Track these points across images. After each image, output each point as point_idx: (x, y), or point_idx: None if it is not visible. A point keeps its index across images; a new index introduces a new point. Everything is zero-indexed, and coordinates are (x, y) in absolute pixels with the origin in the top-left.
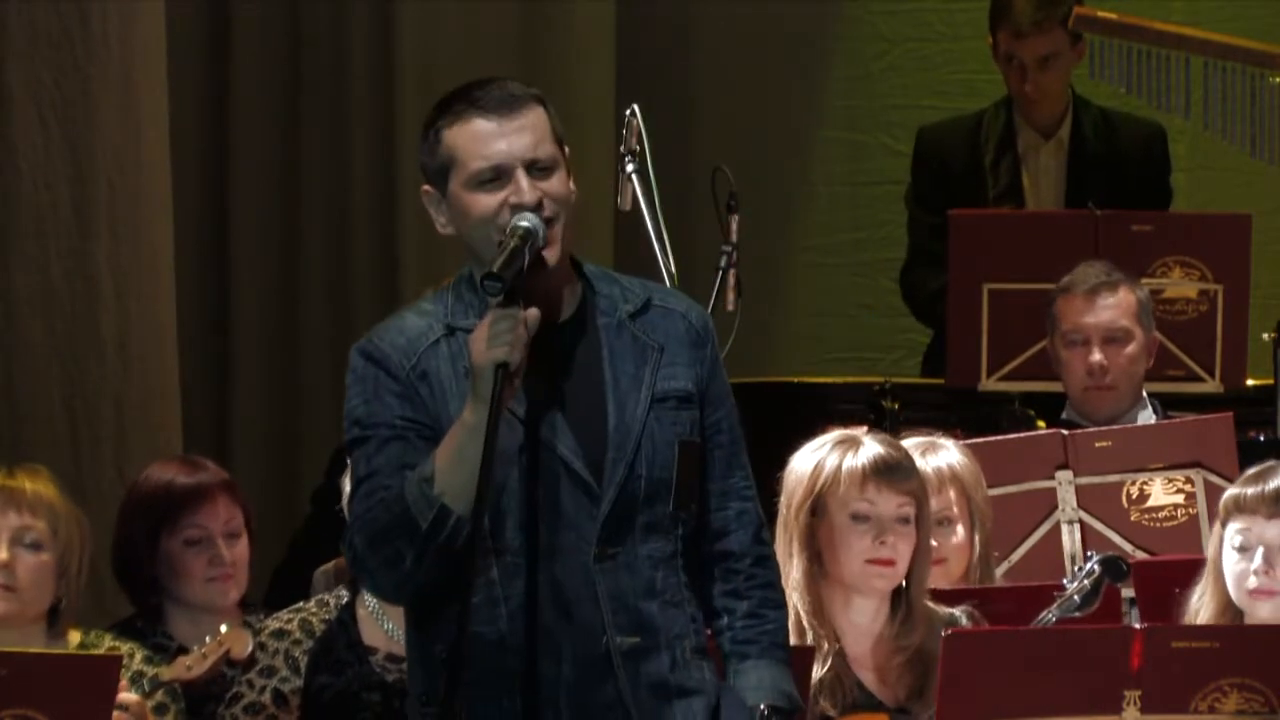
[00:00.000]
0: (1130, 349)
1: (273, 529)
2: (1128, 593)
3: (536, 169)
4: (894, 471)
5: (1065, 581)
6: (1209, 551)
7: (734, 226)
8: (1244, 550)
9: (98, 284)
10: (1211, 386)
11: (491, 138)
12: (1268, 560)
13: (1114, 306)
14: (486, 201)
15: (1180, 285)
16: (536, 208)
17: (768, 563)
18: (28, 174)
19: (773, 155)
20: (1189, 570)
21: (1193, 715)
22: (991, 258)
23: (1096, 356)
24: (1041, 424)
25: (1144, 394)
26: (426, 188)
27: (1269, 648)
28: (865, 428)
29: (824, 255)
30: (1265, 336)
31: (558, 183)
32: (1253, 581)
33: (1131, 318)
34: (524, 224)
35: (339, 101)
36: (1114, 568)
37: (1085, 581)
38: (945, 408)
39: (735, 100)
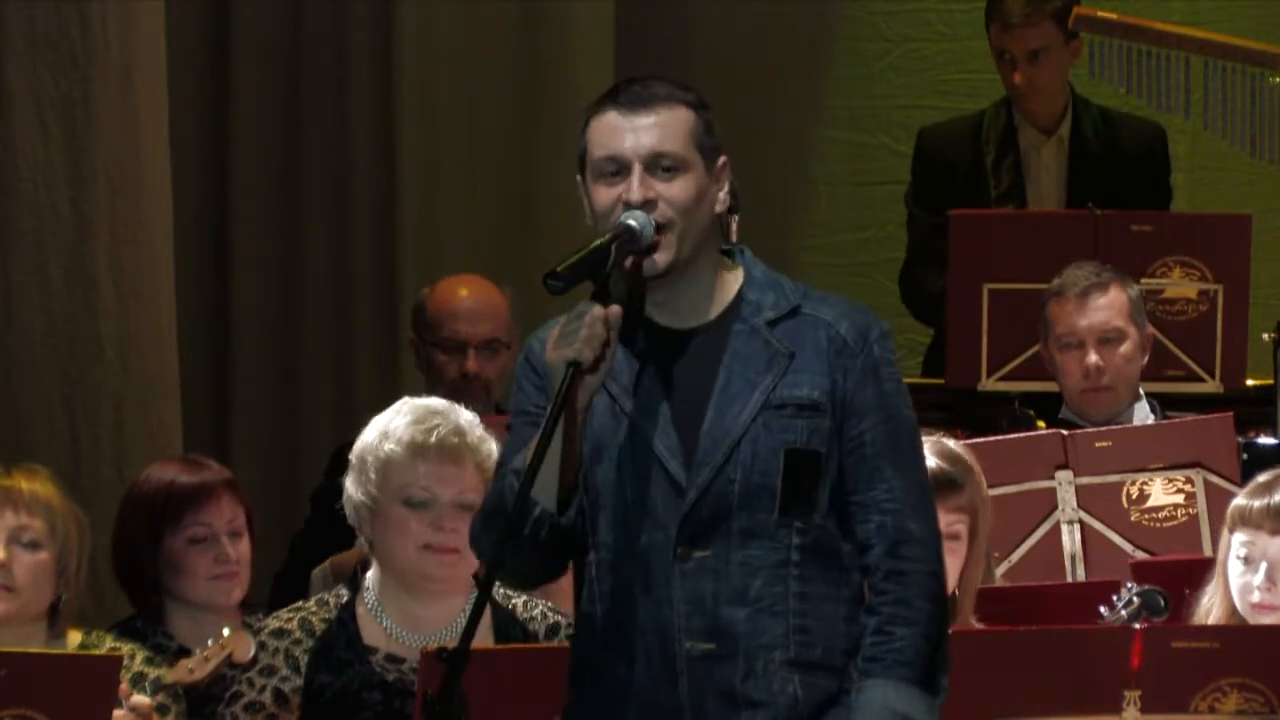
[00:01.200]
0: (1125, 348)
1: (272, 529)
2: None
3: (660, 169)
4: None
5: (1102, 609)
6: (1219, 555)
7: (734, 226)
8: (1248, 563)
9: (97, 284)
10: (1211, 386)
11: (617, 131)
12: (1270, 577)
13: (1106, 307)
14: (606, 194)
15: (1180, 285)
16: (642, 206)
17: (902, 578)
18: (27, 174)
19: (773, 155)
20: (1189, 570)
21: (1193, 715)
22: (991, 258)
23: (1092, 359)
24: (1041, 424)
25: (1140, 390)
26: (578, 177)
27: (1269, 648)
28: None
29: (824, 255)
30: (1265, 336)
31: (681, 187)
32: (1256, 596)
33: (1124, 317)
34: (629, 222)
35: (339, 101)
36: (1153, 603)
37: (1123, 612)
38: (945, 408)
39: (735, 101)
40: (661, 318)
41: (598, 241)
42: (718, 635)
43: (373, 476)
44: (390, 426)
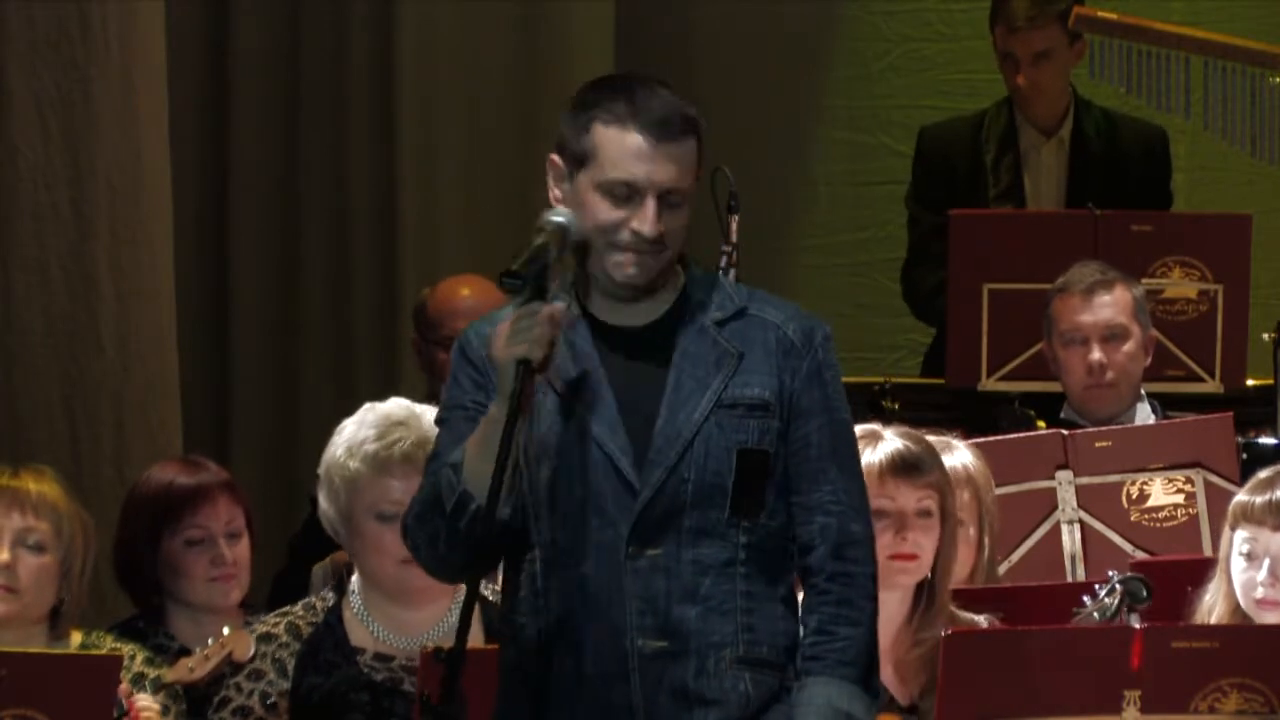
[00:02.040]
0: (1128, 346)
1: (272, 529)
2: None
3: (668, 201)
4: (913, 466)
5: (1085, 598)
6: (1220, 552)
7: (734, 226)
8: (1251, 559)
9: (97, 283)
10: (1211, 386)
11: (640, 158)
12: (1274, 572)
13: (1111, 305)
14: (610, 214)
15: (1180, 285)
16: (653, 241)
17: (846, 579)
18: (27, 174)
19: (773, 155)
20: (1189, 570)
21: (1193, 715)
22: (991, 258)
23: (1096, 355)
24: (1041, 424)
25: (1142, 391)
26: (555, 157)
27: (1269, 648)
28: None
29: (824, 255)
30: (1265, 336)
31: (681, 217)
32: (1260, 592)
33: (1129, 315)
34: (558, 219)
35: (339, 101)
36: (1136, 590)
37: (1106, 600)
38: (945, 408)
39: (735, 100)
40: (608, 316)
41: (539, 240)
42: (670, 633)
43: (341, 495)
44: (353, 442)
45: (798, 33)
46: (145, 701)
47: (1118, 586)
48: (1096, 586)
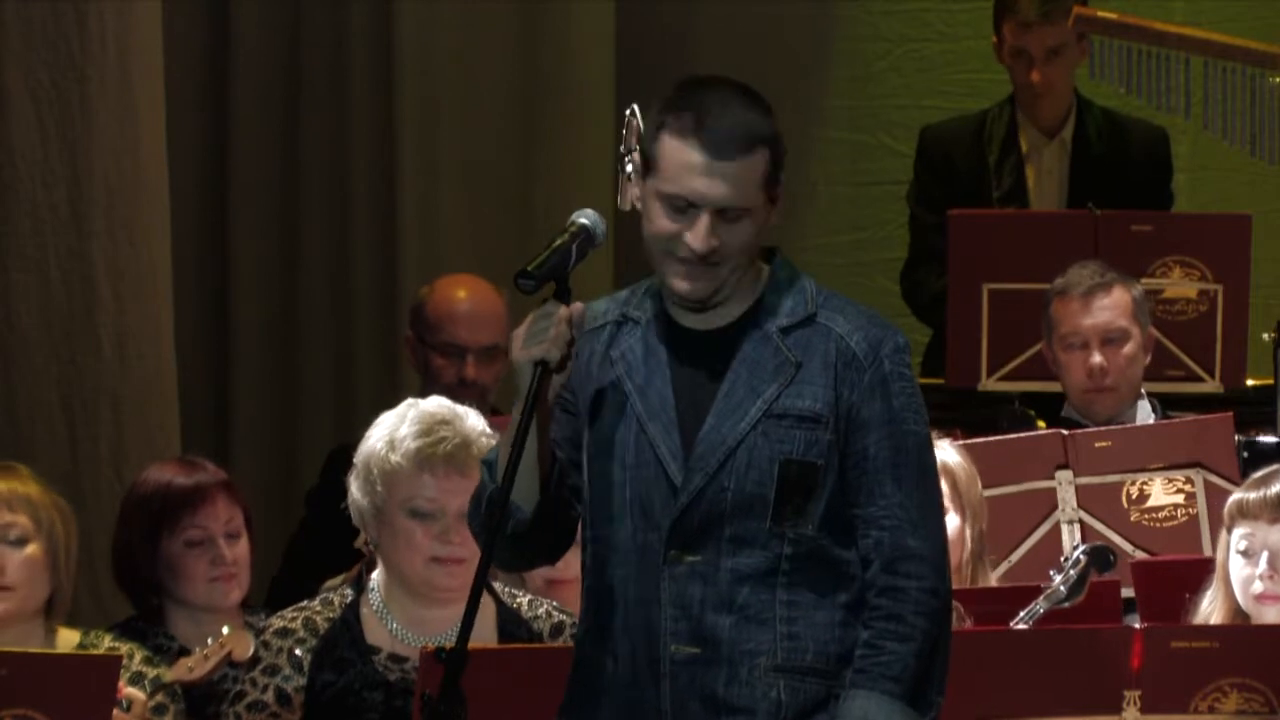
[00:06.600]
0: (1128, 348)
1: (272, 530)
2: (1127, 593)
3: (726, 216)
4: None
5: (1052, 573)
6: (1217, 557)
7: None
8: (1248, 555)
9: (95, 284)
10: (1211, 386)
11: (695, 172)
12: (1272, 565)
13: (1110, 307)
14: (666, 225)
15: (1180, 285)
16: (704, 257)
17: (897, 594)
18: (26, 174)
19: None
20: (1189, 570)
21: (1193, 715)
22: (991, 258)
23: (1096, 359)
24: (1041, 424)
25: (1142, 390)
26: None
27: (1269, 648)
28: None
29: (824, 255)
30: (1265, 336)
31: (741, 231)
32: (1259, 587)
33: (1128, 317)
34: (582, 220)
35: (339, 101)
36: (1101, 558)
37: (1072, 572)
38: (945, 408)
39: None
40: (683, 318)
41: (558, 241)
42: (703, 640)
43: (378, 487)
44: (396, 436)
45: (797, 33)
46: (129, 691)
47: (1083, 558)
48: (1062, 559)
